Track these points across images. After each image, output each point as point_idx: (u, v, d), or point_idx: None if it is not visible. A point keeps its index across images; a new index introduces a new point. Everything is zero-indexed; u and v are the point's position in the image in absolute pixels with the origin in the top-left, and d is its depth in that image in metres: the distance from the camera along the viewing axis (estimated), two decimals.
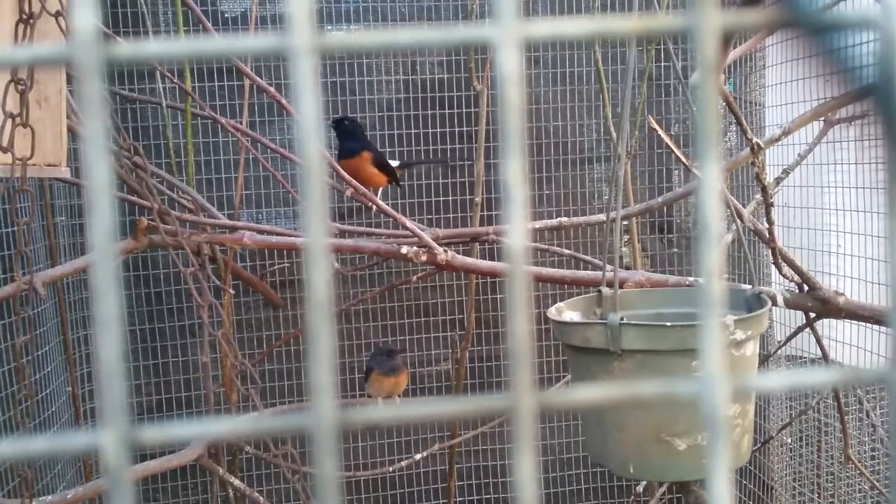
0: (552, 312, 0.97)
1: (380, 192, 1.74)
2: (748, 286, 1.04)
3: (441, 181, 2.06)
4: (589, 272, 1.50)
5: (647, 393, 0.21)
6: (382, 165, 1.75)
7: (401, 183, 1.81)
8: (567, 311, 1.00)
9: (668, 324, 0.88)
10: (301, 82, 0.20)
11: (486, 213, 1.95)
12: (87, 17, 0.19)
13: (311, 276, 0.20)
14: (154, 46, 0.20)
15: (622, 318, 0.87)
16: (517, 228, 0.21)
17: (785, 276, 1.33)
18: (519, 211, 0.21)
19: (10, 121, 0.90)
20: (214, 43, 0.20)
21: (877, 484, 1.67)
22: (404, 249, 1.44)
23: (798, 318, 1.55)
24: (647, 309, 1.06)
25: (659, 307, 1.06)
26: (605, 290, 1.03)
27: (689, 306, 1.04)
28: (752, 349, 0.91)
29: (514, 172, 0.20)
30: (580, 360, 0.92)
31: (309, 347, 0.20)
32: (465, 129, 2.05)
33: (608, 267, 1.03)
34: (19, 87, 0.90)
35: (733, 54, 1.31)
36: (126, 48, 0.19)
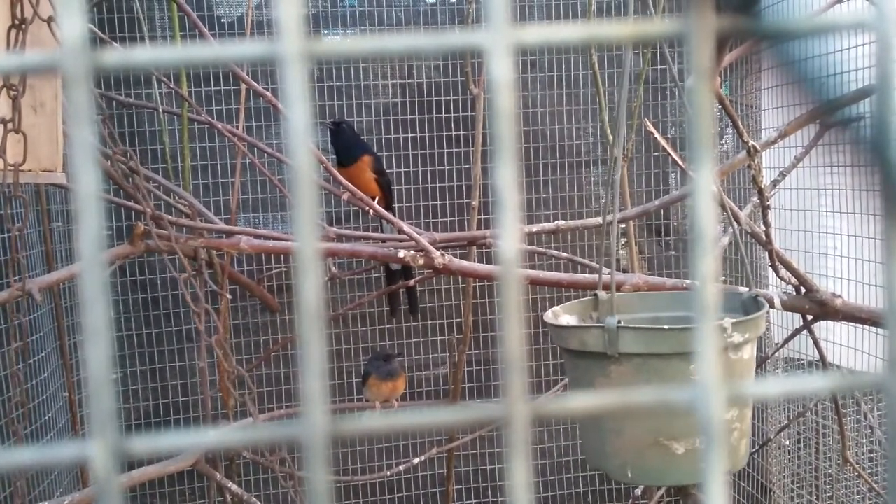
0: (548, 316, 0.96)
1: (377, 198, 1.74)
2: (745, 289, 1.04)
3: (438, 185, 2.06)
4: (586, 275, 1.50)
5: (641, 400, 0.20)
6: (380, 173, 1.76)
7: (392, 204, 1.81)
8: (563, 315, 1.00)
9: (666, 327, 0.88)
10: (291, 89, 0.19)
11: (483, 216, 1.95)
12: (75, 24, 0.19)
13: (301, 283, 0.20)
14: (144, 54, 0.20)
15: (619, 322, 0.86)
16: (509, 235, 0.21)
17: (782, 279, 1.33)
18: (511, 217, 0.20)
19: (1, 126, 0.89)
20: (204, 50, 0.20)
21: (875, 486, 1.67)
22: (401, 253, 1.44)
23: (795, 320, 1.55)
24: (644, 312, 1.05)
25: (656, 311, 1.06)
26: (602, 293, 1.03)
27: (687, 309, 1.04)
28: (749, 352, 0.91)
29: (507, 179, 0.20)
30: (577, 364, 0.92)
31: (300, 356, 0.20)
32: (461, 132, 2.05)
33: (605, 270, 1.03)
34: (11, 93, 0.90)
35: (729, 57, 1.31)
36: (115, 56, 0.19)
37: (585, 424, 0.96)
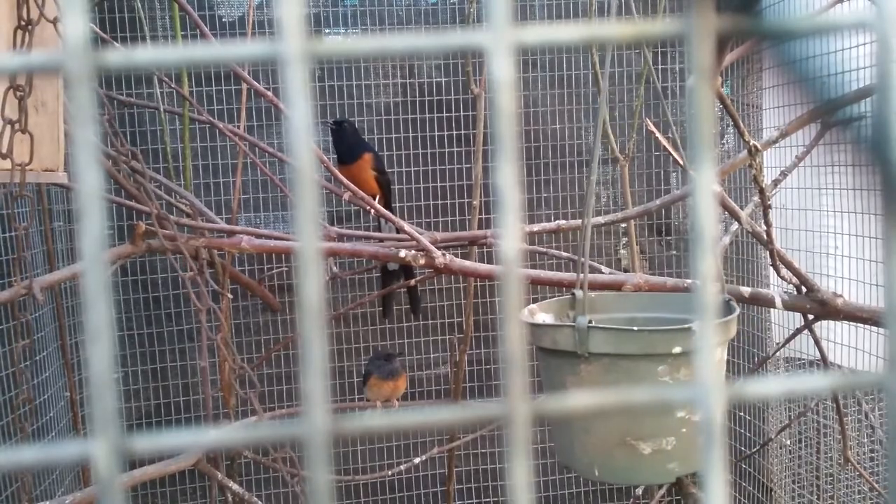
0: (524, 314, 0.96)
1: (377, 197, 1.74)
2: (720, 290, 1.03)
3: (439, 184, 2.06)
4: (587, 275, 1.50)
5: (641, 399, 0.20)
6: (380, 171, 1.76)
7: (392, 204, 1.82)
8: (540, 313, 1.00)
9: (635, 328, 0.88)
10: (292, 89, 0.19)
11: (484, 216, 1.95)
12: (78, 24, 0.19)
13: (303, 283, 0.20)
14: (145, 54, 0.20)
15: (590, 321, 0.87)
16: (511, 234, 0.21)
17: (783, 278, 1.33)
18: (512, 216, 0.21)
19: (8, 127, 0.89)
20: (205, 50, 0.20)
21: (876, 485, 1.67)
22: (402, 253, 1.44)
23: (796, 319, 1.55)
24: (622, 313, 1.06)
25: (634, 311, 1.06)
26: (579, 292, 1.02)
27: (664, 311, 1.04)
28: (718, 355, 0.91)
29: (508, 178, 0.20)
30: (550, 362, 0.92)
31: (302, 355, 0.20)
32: (462, 132, 2.05)
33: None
34: (18, 94, 0.90)
35: (730, 57, 1.31)
36: (117, 56, 0.19)
37: (555, 423, 0.96)
